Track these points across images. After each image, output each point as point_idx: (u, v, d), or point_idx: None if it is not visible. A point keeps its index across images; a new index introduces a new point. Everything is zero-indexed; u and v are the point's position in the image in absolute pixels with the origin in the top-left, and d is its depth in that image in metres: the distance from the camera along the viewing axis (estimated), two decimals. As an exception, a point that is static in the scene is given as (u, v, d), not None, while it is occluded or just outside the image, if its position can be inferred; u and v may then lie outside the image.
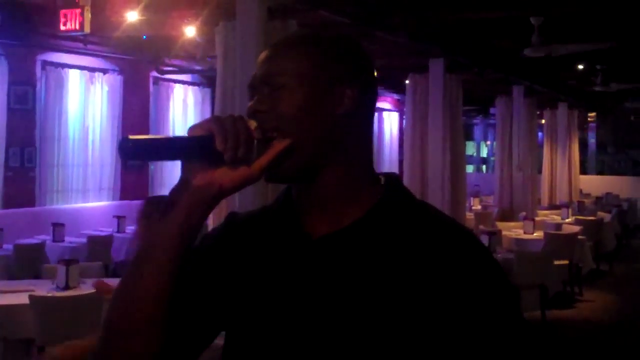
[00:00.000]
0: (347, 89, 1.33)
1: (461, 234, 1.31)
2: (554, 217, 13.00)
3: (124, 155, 1.21)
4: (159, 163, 12.33)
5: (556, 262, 8.93)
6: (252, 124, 1.30)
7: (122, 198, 12.15)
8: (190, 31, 9.38)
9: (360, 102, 1.35)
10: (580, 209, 14.12)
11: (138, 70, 12.71)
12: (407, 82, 11.55)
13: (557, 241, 9.76)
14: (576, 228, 10.89)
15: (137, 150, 1.25)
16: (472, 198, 14.35)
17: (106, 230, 10.33)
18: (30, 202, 10.99)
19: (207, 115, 11.29)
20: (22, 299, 5.39)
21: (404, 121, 14.71)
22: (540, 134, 18.03)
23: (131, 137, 1.22)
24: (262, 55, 1.38)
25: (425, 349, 1.24)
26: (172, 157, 1.31)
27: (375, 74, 1.44)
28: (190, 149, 1.27)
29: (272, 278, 1.35)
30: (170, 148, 1.28)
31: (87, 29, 8.03)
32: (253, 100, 1.35)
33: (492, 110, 18.80)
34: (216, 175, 1.27)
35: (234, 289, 1.39)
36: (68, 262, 5.83)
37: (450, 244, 1.28)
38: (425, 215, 1.34)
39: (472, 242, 1.30)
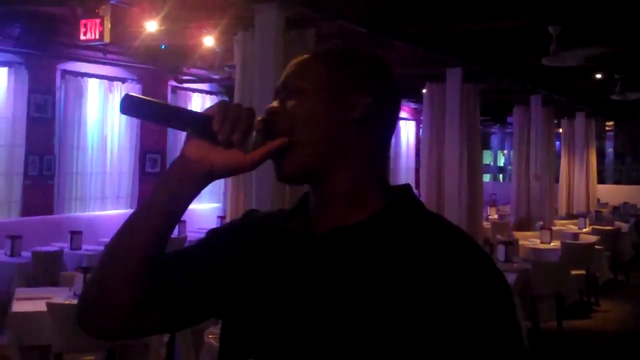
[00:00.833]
0: (360, 97, 1.38)
1: (464, 244, 1.32)
2: (571, 226, 12.94)
3: (124, 109, 1.30)
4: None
5: (573, 272, 8.89)
6: (260, 117, 1.37)
7: (139, 206, 12.20)
8: (208, 41, 9.41)
9: (374, 110, 1.39)
10: (598, 218, 14.05)
11: (157, 80, 12.78)
12: (424, 91, 11.57)
13: (574, 251, 9.72)
14: (593, 238, 10.85)
15: (136, 109, 1.32)
16: (488, 207, 14.31)
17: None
18: (49, 210, 11.06)
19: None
20: (40, 306, 5.43)
21: (421, 130, 14.71)
22: (557, 143, 17.97)
23: (132, 94, 1.31)
24: (288, 65, 1.46)
25: (416, 350, 1.24)
26: (167, 123, 1.38)
27: (397, 87, 1.48)
28: (188, 121, 1.35)
29: (273, 272, 1.40)
30: (168, 114, 1.35)
31: (106, 39, 8.08)
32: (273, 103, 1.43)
33: (509, 119, 18.75)
34: (210, 153, 1.35)
35: (237, 278, 1.45)
36: (85, 270, 5.86)
37: (450, 251, 1.29)
38: (432, 224, 1.36)
39: (474, 252, 1.31)
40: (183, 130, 1.37)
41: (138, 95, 1.32)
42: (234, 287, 1.44)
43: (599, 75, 12.70)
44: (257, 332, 1.37)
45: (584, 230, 12.11)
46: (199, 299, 1.48)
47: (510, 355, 1.27)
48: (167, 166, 1.45)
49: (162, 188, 1.39)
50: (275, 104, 1.41)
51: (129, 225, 1.40)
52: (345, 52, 1.46)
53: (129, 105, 1.30)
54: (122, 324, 1.42)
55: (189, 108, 1.35)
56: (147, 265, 1.38)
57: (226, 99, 14.07)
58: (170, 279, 1.44)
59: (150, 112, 1.34)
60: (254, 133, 1.34)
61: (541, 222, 13.06)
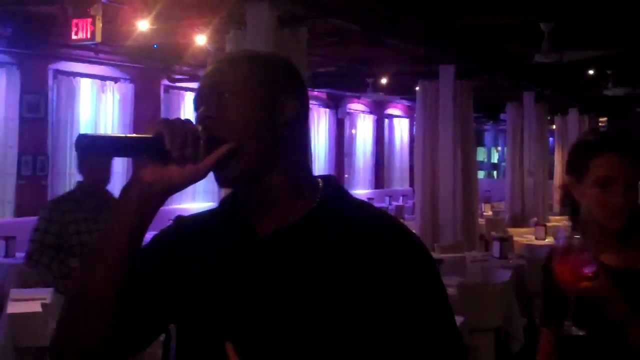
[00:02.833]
0: (288, 100, 1.46)
1: (392, 228, 1.45)
2: (565, 222, 12.93)
3: (79, 150, 1.32)
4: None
5: (568, 268, 8.88)
6: (199, 126, 1.40)
7: (133, 206, 12.17)
8: (201, 39, 9.39)
9: (298, 114, 1.48)
10: (592, 214, 14.05)
11: (149, 79, 12.74)
12: (417, 88, 11.56)
13: (568, 247, 9.71)
14: (588, 234, 10.84)
15: (92, 146, 1.34)
16: (483, 204, 14.33)
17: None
18: (43, 211, 11.02)
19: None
20: (35, 307, 5.41)
21: (415, 127, 14.71)
22: (551, 139, 18.01)
23: (87, 134, 1.33)
24: (209, 68, 1.52)
25: (362, 335, 1.36)
26: (125, 154, 1.43)
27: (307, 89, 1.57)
28: (141, 147, 1.38)
29: (222, 274, 1.46)
30: (122, 146, 1.39)
31: (98, 38, 8.06)
32: (201, 108, 1.45)
33: (502, 116, 18.79)
34: (165, 173, 1.38)
35: (184, 285, 1.49)
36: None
37: (382, 238, 1.41)
38: (360, 212, 1.48)
39: (403, 236, 1.44)
40: (136, 157, 1.40)
41: (91, 134, 1.35)
42: (186, 294, 1.49)
43: (591, 72, 12.72)
44: (212, 334, 1.42)
45: (578, 226, 12.09)
46: (158, 316, 1.53)
47: (441, 323, 1.42)
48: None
49: (122, 214, 1.39)
50: (205, 109, 1.44)
51: (95, 258, 1.41)
52: (266, 57, 1.53)
53: (85, 144, 1.32)
54: (99, 356, 1.43)
55: (134, 134, 1.38)
56: (118, 294, 1.40)
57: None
58: (129, 309, 1.45)
59: (105, 147, 1.38)
60: (201, 143, 1.38)
61: (535, 219, 13.09)
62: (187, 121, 1.39)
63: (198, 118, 1.44)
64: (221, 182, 1.45)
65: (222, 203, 1.55)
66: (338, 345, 1.35)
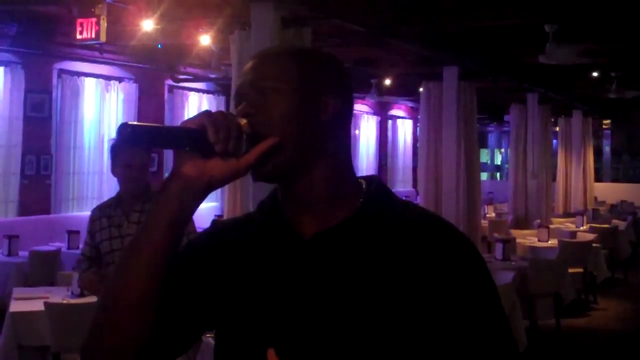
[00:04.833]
0: (330, 98, 1.42)
1: (443, 229, 1.41)
2: (568, 224, 12.95)
3: (122, 139, 1.27)
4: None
5: (571, 270, 8.89)
6: (242, 120, 1.36)
7: (137, 205, 12.17)
8: (205, 40, 9.41)
9: (341, 111, 1.44)
10: (595, 216, 14.06)
11: (153, 79, 12.76)
12: (421, 89, 11.56)
13: (571, 249, 9.71)
14: (591, 236, 10.83)
15: (135, 136, 1.29)
16: (486, 206, 14.31)
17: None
18: (46, 210, 11.05)
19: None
20: (38, 305, 5.42)
21: (418, 129, 14.71)
22: (554, 141, 17.99)
23: (130, 122, 1.28)
24: (249, 64, 1.46)
25: (414, 341, 1.32)
26: (167, 146, 1.37)
27: (352, 88, 1.53)
28: (184, 139, 1.33)
29: (266, 278, 1.41)
30: (166, 137, 1.34)
31: (103, 38, 8.06)
32: (242, 105, 1.41)
33: (506, 118, 18.77)
34: (207, 167, 1.33)
35: (224, 289, 1.45)
36: (83, 270, 5.83)
37: (433, 238, 1.37)
38: (408, 212, 1.43)
39: (453, 235, 1.40)
40: (179, 149, 1.35)
41: (134, 123, 1.30)
42: (227, 299, 1.44)
43: (595, 74, 12.70)
44: (257, 339, 1.37)
45: (581, 228, 12.10)
46: (197, 322, 1.48)
47: (497, 328, 1.37)
48: (166, 163, 1.45)
49: (162, 210, 1.34)
50: (245, 106, 1.41)
51: (131, 253, 1.35)
52: (310, 53, 1.49)
53: (127, 134, 1.27)
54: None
55: (177, 124, 1.34)
56: (154, 294, 1.34)
57: (222, 97, 14.05)
58: (167, 314, 1.40)
59: (147, 137, 1.33)
60: (244, 137, 1.35)
61: (538, 220, 13.07)
62: (230, 114, 1.35)
63: (239, 114, 1.39)
64: (259, 176, 1.41)
65: (261, 206, 1.50)
66: (387, 352, 1.31)
